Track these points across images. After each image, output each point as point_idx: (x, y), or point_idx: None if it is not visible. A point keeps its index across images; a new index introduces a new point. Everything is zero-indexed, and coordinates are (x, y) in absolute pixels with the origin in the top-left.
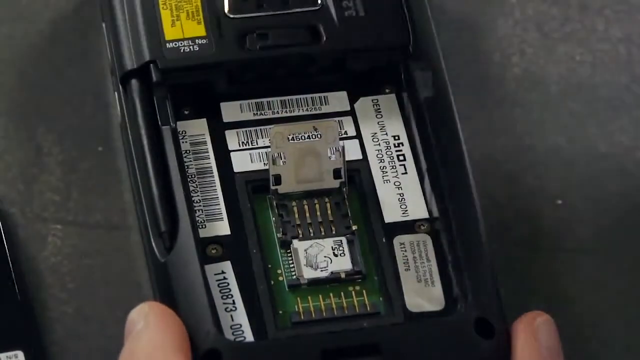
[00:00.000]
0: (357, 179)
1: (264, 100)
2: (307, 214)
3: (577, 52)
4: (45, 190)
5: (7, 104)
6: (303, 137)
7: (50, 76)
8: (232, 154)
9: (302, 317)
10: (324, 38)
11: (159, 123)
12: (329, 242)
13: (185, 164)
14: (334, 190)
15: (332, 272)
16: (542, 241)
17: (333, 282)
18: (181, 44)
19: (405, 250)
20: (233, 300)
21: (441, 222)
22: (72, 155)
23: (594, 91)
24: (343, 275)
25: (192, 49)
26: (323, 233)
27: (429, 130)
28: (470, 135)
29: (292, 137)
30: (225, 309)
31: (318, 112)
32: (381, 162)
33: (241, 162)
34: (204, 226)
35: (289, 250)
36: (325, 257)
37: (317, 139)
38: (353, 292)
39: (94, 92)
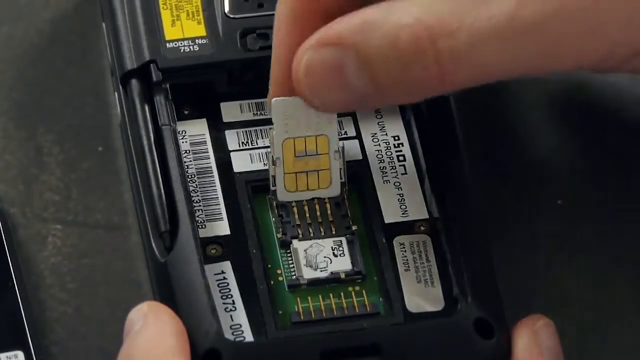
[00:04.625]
0: (357, 179)
1: (264, 100)
2: (307, 214)
3: None
4: (45, 190)
5: (7, 104)
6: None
7: (50, 76)
8: (232, 154)
9: (302, 317)
10: None
11: (159, 123)
12: (328, 243)
13: (185, 163)
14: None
15: (331, 273)
16: (542, 241)
17: (333, 283)
18: (181, 43)
19: (405, 251)
20: (233, 300)
21: (441, 222)
22: (72, 155)
23: (595, 91)
24: (343, 276)
25: (192, 49)
26: (323, 233)
27: (429, 131)
28: (470, 135)
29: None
30: (225, 309)
31: None
32: (381, 162)
33: (241, 162)
34: (203, 226)
35: (288, 251)
36: (325, 257)
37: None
38: (353, 293)
39: (94, 92)
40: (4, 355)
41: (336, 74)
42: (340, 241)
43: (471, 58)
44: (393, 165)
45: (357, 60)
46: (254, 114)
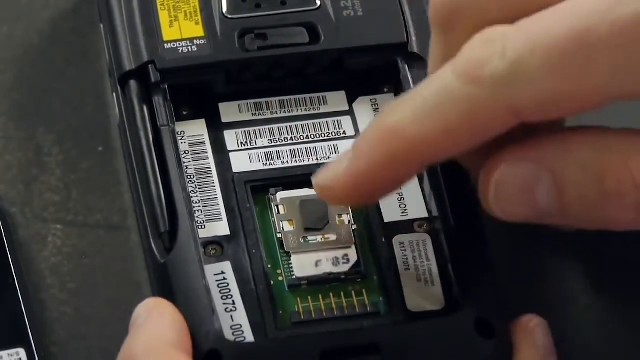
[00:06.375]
0: None
1: (263, 100)
2: None
3: None
4: (45, 190)
5: (7, 104)
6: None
7: (50, 76)
8: (231, 154)
9: (302, 317)
10: (322, 38)
11: (158, 124)
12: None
13: (185, 164)
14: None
15: (331, 272)
16: (542, 241)
17: (333, 282)
18: (179, 44)
19: (405, 250)
20: (233, 301)
21: (441, 221)
22: (72, 155)
23: None
24: (343, 275)
25: (190, 50)
26: None
27: None
28: None
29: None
30: (225, 310)
31: (317, 112)
32: None
33: (240, 163)
34: (203, 226)
35: (288, 251)
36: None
37: None
38: (353, 292)
39: (94, 92)
40: (5, 353)
41: (526, 190)
42: None
43: None
44: None
45: (552, 183)
46: (252, 114)
